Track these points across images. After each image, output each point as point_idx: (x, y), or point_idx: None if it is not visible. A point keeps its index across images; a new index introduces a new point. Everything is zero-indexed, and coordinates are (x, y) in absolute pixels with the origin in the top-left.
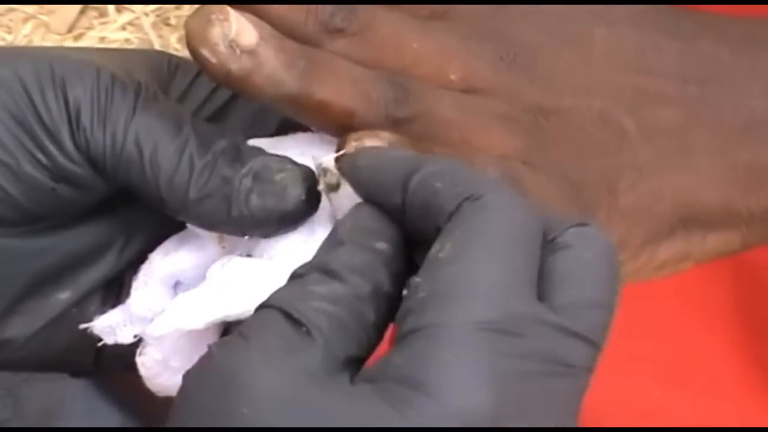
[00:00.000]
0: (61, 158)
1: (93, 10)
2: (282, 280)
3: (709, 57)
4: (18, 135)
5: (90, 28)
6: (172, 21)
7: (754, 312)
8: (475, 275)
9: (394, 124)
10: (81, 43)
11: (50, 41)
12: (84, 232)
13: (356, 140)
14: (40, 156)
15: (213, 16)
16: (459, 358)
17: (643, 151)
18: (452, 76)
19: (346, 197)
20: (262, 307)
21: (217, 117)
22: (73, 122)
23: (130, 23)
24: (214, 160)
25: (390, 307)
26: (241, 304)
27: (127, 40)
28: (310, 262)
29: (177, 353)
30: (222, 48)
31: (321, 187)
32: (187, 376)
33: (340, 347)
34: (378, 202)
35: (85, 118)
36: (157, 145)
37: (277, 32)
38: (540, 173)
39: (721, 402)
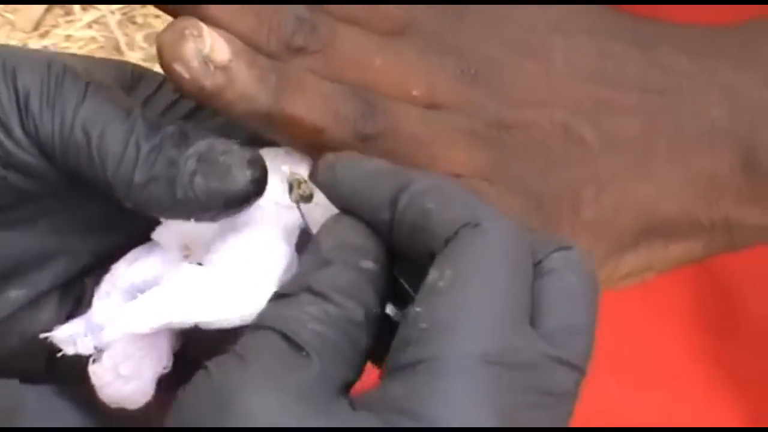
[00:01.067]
0: (9, 145)
1: (59, 8)
2: (228, 288)
3: (667, 66)
4: None
5: (56, 26)
6: (138, 19)
7: (713, 312)
8: (476, 306)
9: (362, 140)
10: (46, 41)
11: (15, 39)
12: (39, 231)
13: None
14: None
15: (187, 31)
16: (460, 391)
17: (605, 162)
18: (415, 92)
19: (319, 208)
20: (257, 327)
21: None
22: (22, 109)
23: (96, 21)
24: (160, 144)
25: (378, 327)
26: (186, 310)
27: (92, 39)
28: (296, 280)
29: (127, 360)
30: (196, 64)
31: (293, 198)
32: (182, 393)
33: (336, 371)
34: (360, 216)
35: (33, 104)
36: (104, 130)
37: (247, 47)
38: (502, 188)
39: (682, 398)
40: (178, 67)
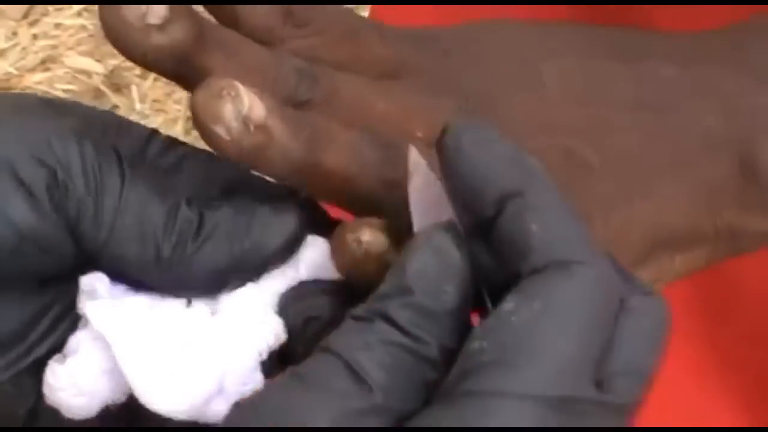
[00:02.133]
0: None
1: None
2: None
3: (657, 77)
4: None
5: (45, 14)
6: None
7: (710, 301)
8: (544, 350)
9: (387, 186)
10: (36, 30)
11: (5, 27)
12: (21, 307)
13: (352, 232)
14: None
15: (224, 92)
16: (510, 427)
17: (609, 183)
18: (419, 134)
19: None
20: (323, 349)
21: (169, 176)
22: (57, 185)
23: (86, 9)
24: (202, 216)
25: (452, 360)
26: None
27: (82, 27)
28: (374, 303)
29: (88, 375)
30: (235, 125)
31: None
32: (237, 408)
33: (397, 404)
34: (463, 203)
35: (76, 190)
36: (148, 210)
37: (278, 102)
38: None
39: (674, 382)
40: (218, 130)
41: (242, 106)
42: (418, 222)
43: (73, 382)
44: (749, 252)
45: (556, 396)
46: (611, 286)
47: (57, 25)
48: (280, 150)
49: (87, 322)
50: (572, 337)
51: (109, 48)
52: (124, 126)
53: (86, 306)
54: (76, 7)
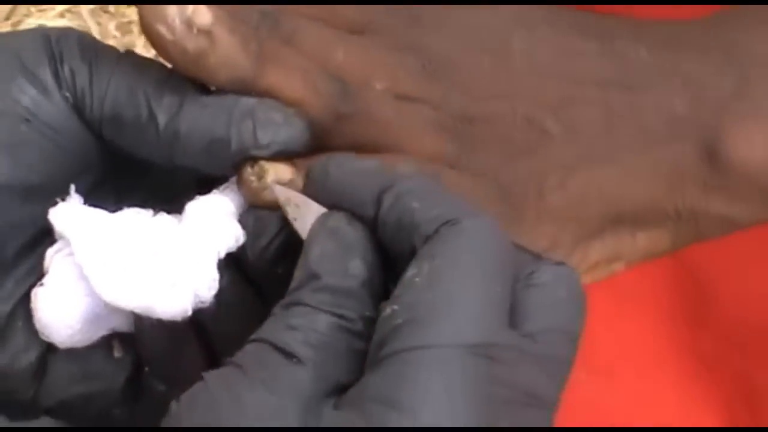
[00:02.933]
0: (34, 92)
1: None
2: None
3: (627, 57)
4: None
5: (28, 15)
6: (110, 8)
7: (685, 303)
8: (452, 301)
9: (337, 118)
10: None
11: None
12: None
13: (251, 167)
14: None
15: None
16: (434, 378)
17: (569, 151)
18: (378, 86)
19: (311, 215)
20: (252, 340)
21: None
22: (57, 58)
23: (69, 11)
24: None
25: (373, 326)
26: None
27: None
28: (289, 295)
29: (64, 283)
30: (179, 25)
31: (289, 215)
32: (176, 404)
33: (330, 374)
34: (348, 212)
35: (69, 59)
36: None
37: (228, 14)
38: (467, 176)
39: (655, 390)
40: (161, 28)
41: (186, 8)
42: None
43: (50, 296)
44: (712, 237)
45: (472, 342)
46: (500, 235)
47: (40, 27)
48: (223, 58)
49: (59, 239)
50: (476, 283)
51: None
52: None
53: (50, 213)
54: (59, 8)
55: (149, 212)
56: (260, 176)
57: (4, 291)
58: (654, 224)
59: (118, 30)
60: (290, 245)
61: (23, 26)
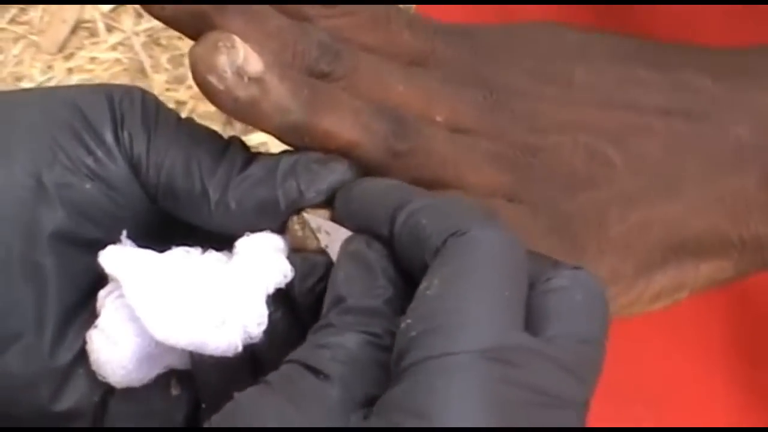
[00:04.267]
0: (100, 154)
1: (83, 29)
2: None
3: (691, 87)
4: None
5: (80, 48)
6: (163, 41)
7: (748, 339)
8: (462, 308)
9: (395, 156)
10: (71, 63)
11: (40, 61)
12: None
13: (297, 215)
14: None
15: (220, 43)
16: (453, 385)
17: (631, 182)
18: (438, 118)
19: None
20: (284, 362)
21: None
22: (118, 121)
23: (121, 43)
24: (250, 173)
25: None
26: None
27: (117, 60)
28: (320, 321)
29: (114, 324)
30: (230, 75)
31: (321, 243)
32: (210, 422)
33: (358, 389)
34: (368, 233)
35: (129, 120)
36: (200, 148)
37: (279, 61)
38: (527, 209)
39: (714, 425)
40: (212, 79)
41: (237, 57)
42: None
43: (103, 337)
44: None
45: (484, 347)
46: (511, 242)
47: (92, 59)
48: (275, 104)
49: (110, 281)
50: (485, 289)
51: (143, 82)
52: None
53: (100, 255)
54: (111, 41)
55: (198, 250)
56: (303, 226)
57: (66, 341)
58: (718, 254)
59: (170, 63)
60: None
61: (75, 59)
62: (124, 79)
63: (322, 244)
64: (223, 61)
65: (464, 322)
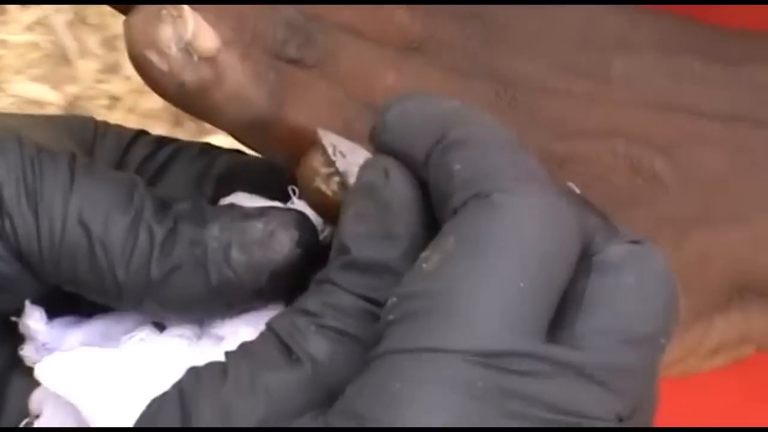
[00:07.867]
0: None
1: None
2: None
3: (761, 86)
4: None
5: None
6: (92, 19)
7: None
8: (460, 294)
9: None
10: None
11: None
12: None
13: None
14: None
15: (164, 12)
16: (419, 391)
17: (685, 202)
18: None
19: None
20: (266, 325)
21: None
22: None
23: (38, 22)
24: (176, 226)
25: None
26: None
27: (33, 44)
28: (320, 274)
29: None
30: (175, 52)
31: (337, 165)
32: (176, 388)
33: (333, 377)
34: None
35: (10, 204)
36: (106, 221)
37: (240, 36)
38: None
39: None
40: (152, 57)
41: (185, 30)
42: None
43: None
44: None
45: (477, 349)
46: (551, 213)
47: (1, 42)
48: (231, 92)
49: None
50: (495, 275)
51: (67, 71)
52: (101, 130)
53: (36, 369)
54: (26, 20)
55: (155, 333)
56: (326, 178)
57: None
58: None
59: (101, 47)
60: None
61: None
62: (42, 68)
63: (340, 170)
64: (167, 33)
65: (456, 313)
